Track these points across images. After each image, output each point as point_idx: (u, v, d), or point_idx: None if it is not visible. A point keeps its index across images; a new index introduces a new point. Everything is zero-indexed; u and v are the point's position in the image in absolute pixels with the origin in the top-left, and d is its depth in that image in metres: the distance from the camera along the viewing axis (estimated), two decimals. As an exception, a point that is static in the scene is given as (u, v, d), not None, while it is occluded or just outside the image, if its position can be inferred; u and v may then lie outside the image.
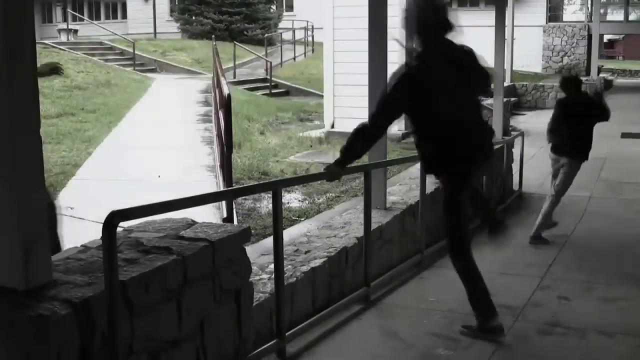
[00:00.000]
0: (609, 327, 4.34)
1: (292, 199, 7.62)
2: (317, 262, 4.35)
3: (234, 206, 5.14)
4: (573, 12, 32.11)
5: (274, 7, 32.15)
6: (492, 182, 7.84)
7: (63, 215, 6.17)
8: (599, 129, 6.77)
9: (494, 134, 4.00)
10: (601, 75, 26.92)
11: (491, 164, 4.02)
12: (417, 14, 3.86)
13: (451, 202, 3.99)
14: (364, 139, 4.02)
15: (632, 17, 31.94)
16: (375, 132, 4.06)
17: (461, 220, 4.00)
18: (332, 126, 13.23)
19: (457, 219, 4.00)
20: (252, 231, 4.09)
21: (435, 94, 3.79)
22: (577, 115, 6.48)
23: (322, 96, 14.42)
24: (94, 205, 6.24)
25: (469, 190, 4.03)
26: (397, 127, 12.59)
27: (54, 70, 3.93)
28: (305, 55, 25.84)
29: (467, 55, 3.96)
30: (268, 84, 20.29)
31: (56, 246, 3.46)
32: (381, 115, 3.95)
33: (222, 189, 6.31)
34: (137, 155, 9.20)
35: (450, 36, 3.89)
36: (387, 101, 3.93)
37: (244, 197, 7.19)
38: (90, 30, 29.21)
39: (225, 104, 5.95)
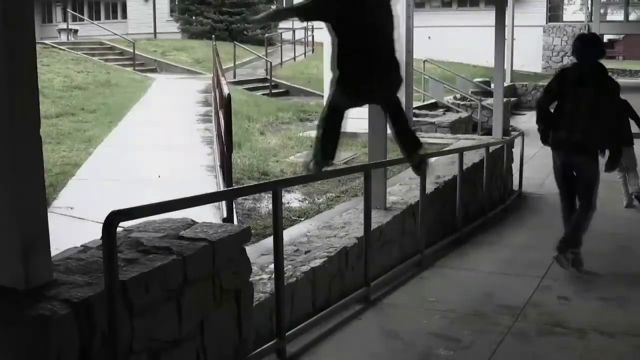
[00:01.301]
0: (609, 327, 4.34)
1: (292, 199, 7.61)
2: (317, 262, 4.35)
3: (234, 206, 5.13)
4: (573, 12, 32.06)
5: (274, 7, 32.12)
6: (492, 182, 7.84)
7: (62, 215, 6.19)
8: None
9: (601, 138, 5.43)
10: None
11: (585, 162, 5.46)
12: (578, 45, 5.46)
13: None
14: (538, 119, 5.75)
15: (632, 17, 31.90)
16: (540, 112, 5.75)
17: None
18: (332, 126, 13.20)
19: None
20: (252, 231, 4.08)
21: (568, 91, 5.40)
22: None
23: (322, 96, 14.39)
24: (94, 205, 6.23)
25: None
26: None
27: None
28: (305, 55, 25.80)
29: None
30: (268, 84, 20.26)
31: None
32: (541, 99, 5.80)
33: (222, 189, 6.30)
34: (137, 155, 9.19)
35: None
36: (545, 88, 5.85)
37: (244, 197, 7.18)
38: (90, 30, 29.17)
39: (225, 104, 5.94)
